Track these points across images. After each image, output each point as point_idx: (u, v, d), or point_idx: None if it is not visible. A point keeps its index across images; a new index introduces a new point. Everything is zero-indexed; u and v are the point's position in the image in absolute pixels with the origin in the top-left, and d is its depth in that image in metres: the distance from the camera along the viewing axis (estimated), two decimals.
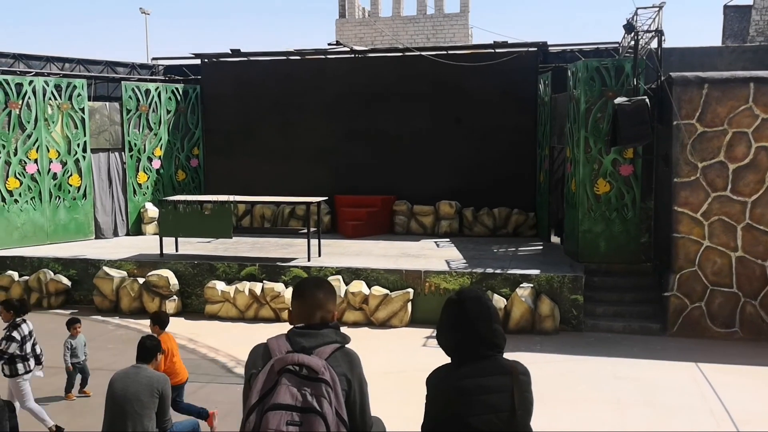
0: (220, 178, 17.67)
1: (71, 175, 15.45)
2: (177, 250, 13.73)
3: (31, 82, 14.80)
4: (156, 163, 17.15)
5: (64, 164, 15.32)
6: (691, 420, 7.75)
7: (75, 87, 15.49)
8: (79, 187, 15.59)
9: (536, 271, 11.78)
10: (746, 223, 10.83)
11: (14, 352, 7.03)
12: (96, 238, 15.98)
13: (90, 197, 15.84)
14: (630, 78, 12.09)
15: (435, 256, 13.52)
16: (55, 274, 13.25)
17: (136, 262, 13.18)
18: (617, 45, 15.24)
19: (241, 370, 9.50)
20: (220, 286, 12.42)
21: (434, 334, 10.82)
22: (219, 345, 10.76)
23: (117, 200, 16.65)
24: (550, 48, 16.37)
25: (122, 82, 16.89)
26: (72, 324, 8.77)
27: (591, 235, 12.46)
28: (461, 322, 2.72)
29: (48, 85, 15.04)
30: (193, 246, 14.35)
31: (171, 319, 12.11)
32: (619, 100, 11.39)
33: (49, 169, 15.08)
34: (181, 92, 17.59)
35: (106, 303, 12.77)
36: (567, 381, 9.01)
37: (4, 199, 14.42)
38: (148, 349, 5.52)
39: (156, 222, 15.82)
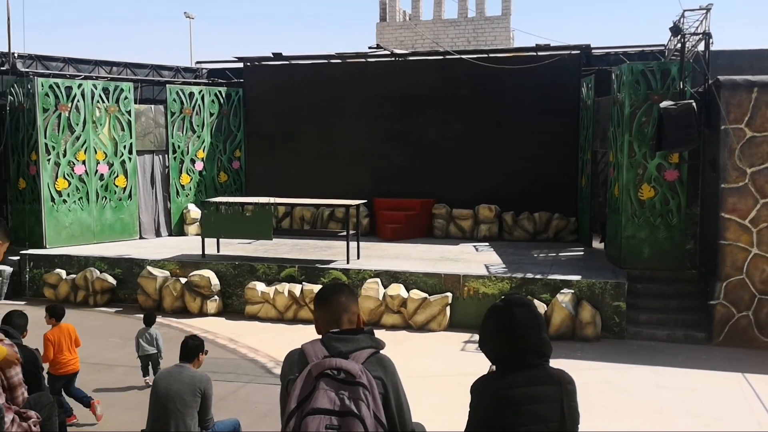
0: (261, 180, 17.86)
1: (117, 176, 15.79)
2: (218, 251, 13.92)
3: (80, 85, 15.17)
4: (199, 165, 17.42)
5: (110, 165, 15.66)
6: None
7: (122, 90, 15.83)
8: (124, 188, 15.93)
9: (577, 277, 11.63)
10: None
11: None
12: (139, 238, 16.30)
13: (135, 198, 16.16)
14: (676, 81, 11.86)
15: (474, 260, 13.45)
16: (101, 272, 13.55)
17: (178, 262, 13.39)
18: (663, 48, 14.98)
19: (279, 371, 9.57)
20: (260, 287, 12.54)
21: (473, 339, 10.82)
22: (258, 345, 10.86)
23: (159, 201, 16.95)
24: (593, 51, 16.15)
25: (167, 85, 17.21)
26: (147, 321, 8.94)
27: (634, 241, 12.25)
28: (509, 330, 2.68)
29: (96, 89, 15.40)
30: (234, 247, 14.52)
31: (212, 319, 12.42)
32: (665, 103, 11.18)
33: (97, 170, 15.43)
34: (223, 95, 17.84)
35: (149, 302, 13.00)
36: (608, 389, 8.87)
37: (53, 200, 14.80)
38: (191, 349, 5.60)
39: (198, 223, 16.05)
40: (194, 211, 16.97)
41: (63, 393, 7.54)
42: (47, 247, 14.61)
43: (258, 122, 18.08)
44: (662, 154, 11.86)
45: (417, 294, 11.81)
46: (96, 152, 15.40)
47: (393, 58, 17.48)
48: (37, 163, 14.61)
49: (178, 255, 13.92)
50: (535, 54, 16.07)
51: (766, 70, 12.60)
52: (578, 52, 15.85)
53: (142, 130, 16.41)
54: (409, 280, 12.11)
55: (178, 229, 17.13)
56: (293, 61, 17.99)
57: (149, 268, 13.19)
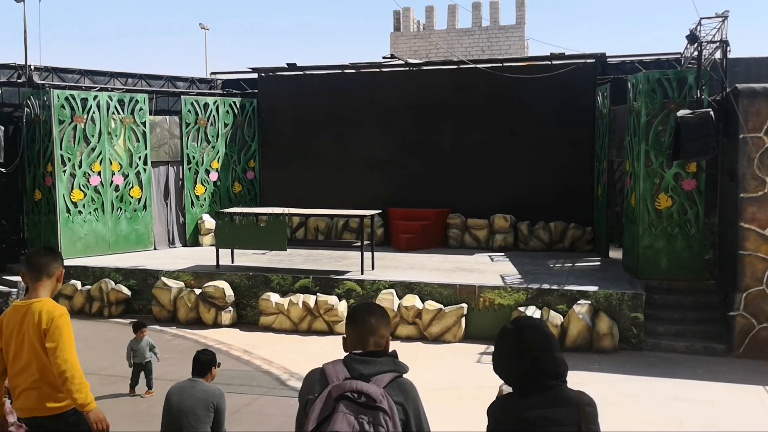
0: (276, 191, 17.88)
1: (132, 187, 15.85)
2: (233, 262, 13.91)
3: (95, 97, 15.27)
4: (213, 176, 17.46)
5: (125, 176, 15.73)
6: None
7: (137, 101, 15.91)
8: (139, 199, 15.98)
9: (594, 288, 11.50)
10: None
11: None
12: (153, 249, 16.34)
13: (150, 209, 16.22)
14: (693, 90, 11.74)
15: (489, 270, 13.35)
16: (115, 284, 13.58)
17: (193, 273, 13.40)
18: (678, 56, 14.84)
19: (294, 383, 9.54)
20: (274, 298, 12.51)
21: (488, 350, 10.70)
22: (273, 357, 10.82)
23: (172, 212, 17.01)
24: (608, 59, 16.05)
25: (182, 96, 17.29)
26: (137, 328, 9.11)
27: (652, 251, 12.10)
28: (520, 353, 2.62)
29: (111, 100, 15.49)
30: (248, 257, 14.52)
31: (227, 330, 12.40)
32: (682, 112, 11.06)
33: (112, 182, 15.50)
34: (238, 106, 17.90)
35: (163, 313, 13.01)
36: (626, 401, 8.74)
37: (68, 211, 14.87)
38: (203, 363, 5.55)
39: (213, 233, 16.07)
40: (209, 222, 17.00)
41: None
42: (62, 258, 14.64)
43: (272, 132, 18.11)
44: (679, 163, 11.73)
45: (432, 305, 11.73)
46: (111, 163, 15.47)
47: (407, 68, 17.47)
48: (53, 175, 14.70)
49: (192, 266, 13.94)
50: (549, 63, 15.99)
51: None
52: (593, 60, 15.75)
53: (157, 141, 16.49)
54: (423, 290, 12.04)
55: (192, 239, 17.17)
56: (307, 72, 18.02)
57: (164, 279, 13.21)
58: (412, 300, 11.84)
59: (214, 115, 17.40)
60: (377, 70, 17.64)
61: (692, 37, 11.68)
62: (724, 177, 11.64)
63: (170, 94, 17.89)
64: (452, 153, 16.66)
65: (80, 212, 15.05)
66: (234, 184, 17.89)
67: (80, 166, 15.02)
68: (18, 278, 14.16)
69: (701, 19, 11.64)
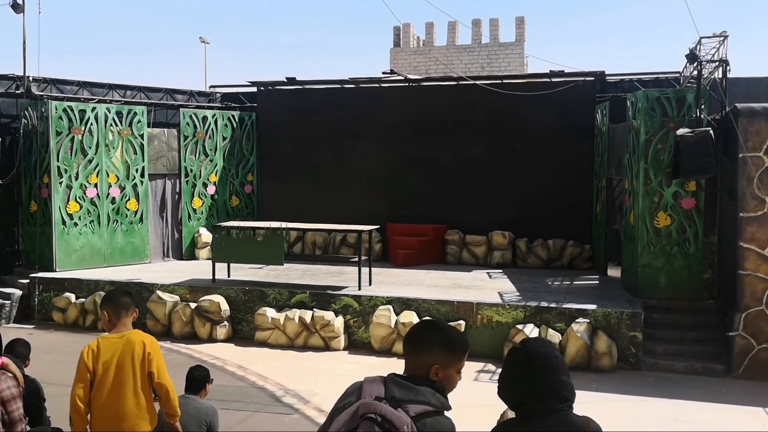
0: (274, 205, 17.81)
1: (129, 199, 15.77)
2: (229, 276, 13.82)
3: (93, 108, 15.23)
4: (211, 189, 17.40)
5: (122, 189, 15.65)
6: None
7: (135, 114, 15.87)
8: (136, 212, 15.89)
9: (593, 306, 11.42)
10: None
11: None
12: (149, 262, 16.22)
13: (146, 222, 16.13)
14: (693, 109, 11.73)
15: (487, 287, 13.27)
16: None
17: (188, 286, 13.29)
18: (678, 75, 14.86)
19: (289, 400, 9.45)
20: (270, 313, 12.41)
21: (486, 368, 10.60)
22: (268, 373, 10.70)
23: (168, 225, 16.92)
24: (607, 77, 16.08)
25: (180, 109, 17.26)
26: None
27: (650, 270, 12.03)
28: (528, 375, 2.54)
29: (110, 112, 15.45)
30: (245, 272, 14.42)
31: (222, 345, 12.28)
32: (681, 131, 11.04)
33: (108, 194, 15.42)
34: (237, 119, 17.87)
35: (158, 327, 12.88)
36: (625, 423, 8.62)
37: (64, 223, 14.78)
38: (197, 380, 5.47)
39: (209, 247, 15.98)
40: (205, 235, 16.92)
41: None
42: (57, 270, 14.56)
43: (271, 146, 18.07)
44: (679, 182, 11.69)
45: None
46: (108, 175, 15.40)
47: (407, 84, 17.48)
48: (49, 186, 14.61)
49: (188, 279, 13.83)
50: (549, 80, 16.02)
51: None
52: (592, 78, 15.78)
53: (154, 153, 16.43)
54: (421, 307, 11.94)
55: (189, 253, 17.07)
56: (307, 86, 18.02)
57: (159, 292, 13.10)
58: (410, 316, 11.74)
59: (212, 128, 17.37)
60: (377, 85, 17.64)
61: (692, 56, 11.69)
62: (724, 196, 11.61)
63: (169, 106, 17.86)
64: (451, 169, 16.63)
65: (76, 224, 14.95)
66: (231, 198, 17.83)
67: (77, 178, 14.94)
68: (12, 290, 14.07)
69: (701, 38, 11.66)
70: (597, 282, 14.11)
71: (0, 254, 15.27)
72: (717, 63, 11.69)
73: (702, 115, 11.58)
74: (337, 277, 14.08)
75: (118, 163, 15.60)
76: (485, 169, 16.38)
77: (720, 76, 11.66)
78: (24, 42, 15.61)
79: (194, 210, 17.19)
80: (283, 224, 13.55)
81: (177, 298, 13.06)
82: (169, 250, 16.96)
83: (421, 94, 17.21)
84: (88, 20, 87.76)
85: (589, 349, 10.87)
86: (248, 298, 12.82)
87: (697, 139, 10.70)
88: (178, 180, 16.99)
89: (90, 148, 15.10)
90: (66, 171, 14.78)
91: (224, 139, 17.60)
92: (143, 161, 15.99)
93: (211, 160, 17.37)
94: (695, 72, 11.94)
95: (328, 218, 15.33)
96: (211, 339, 12.55)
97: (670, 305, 11.86)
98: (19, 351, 5.54)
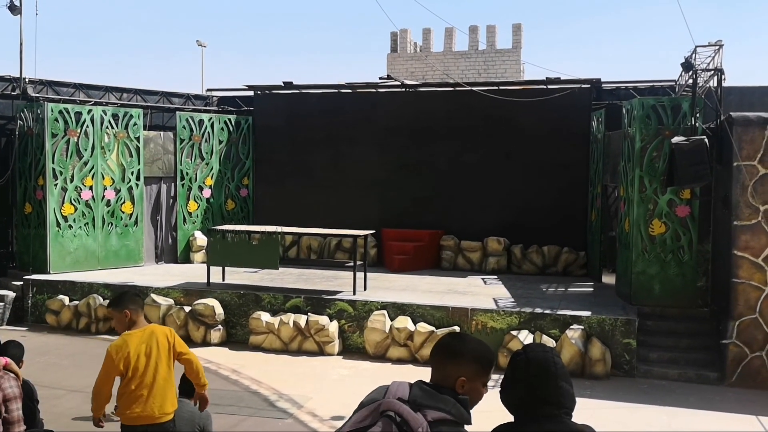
0: (269, 209, 17.79)
1: (124, 202, 15.74)
2: (224, 280, 13.80)
3: (89, 111, 15.20)
4: (206, 192, 17.38)
5: (117, 191, 15.62)
6: None
7: (131, 116, 15.85)
8: (131, 215, 15.86)
9: (587, 313, 11.44)
10: None
11: None
12: (144, 265, 16.19)
13: (141, 224, 16.09)
14: (688, 117, 11.78)
15: (482, 293, 13.28)
16: (104, 299, 13.42)
17: (183, 290, 13.26)
18: (673, 83, 14.93)
19: (283, 404, 9.44)
20: (264, 317, 12.39)
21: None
22: (262, 377, 10.68)
23: (163, 228, 16.90)
24: (603, 85, 16.13)
25: (177, 112, 17.25)
26: None
27: (645, 277, 12.06)
28: (525, 379, 2.54)
29: (106, 114, 15.43)
30: (239, 275, 14.40)
31: (216, 349, 12.26)
32: (676, 139, 11.08)
33: (103, 196, 15.39)
34: (233, 123, 17.87)
35: None
36: (620, 430, 8.63)
37: (59, 225, 14.74)
38: (191, 384, 5.46)
39: (204, 250, 15.96)
40: (200, 239, 16.89)
41: None
42: (51, 272, 14.51)
43: (267, 150, 18.07)
44: (673, 189, 11.74)
45: (424, 327, 11.64)
46: (103, 178, 15.37)
47: (404, 89, 17.50)
48: (44, 188, 14.58)
49: (182, 283, 13.81)
50: (545, 87, 16.06)
51: None
52: (588, 85, 15.83)
53: (150, 156, 16.41)
54: (416, 312, 11.94)
55: (184, 256, 17.04)
56: (304, 90, 18.03)
57: (153, 295, 13.07)
58: (404, 322, 11.74)
59: (208, 132, 17.36)
60: (373, 90, 17.67)
61: (687, 65, 11.76)
62: (718, 204, 11.65)
63: (165, 109, 17.85)
64: (447, 175, 16.65)
65: (70, 226, 14.91)
66: (227, 202, 17.81)
67: (72, 180, 14.91)
68: (5, 292, 14.03)
69: (696, 47, 11.73)
70: (591, 289, 14.13)
71: None
72: (712, 72, 11.76)
73: (697, 124, 11.64)
74: (332, 281, 14.07)
75: (114, 166, 15.58)
76: (481, 175, 16.41)
77: (715, 84, 11.72)
78: (21, 43, 15.59)
79: (189, 213, 17.17)
80: (279, 228, 13.55)
81: (171, 301, 13.03)
82: (164, 253, 16.93)
83: (418, 100, 17.24)
84: (85, 22, 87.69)
85: (583, 356, 10.88)
86: (243, 302, 12.80)
87: (692, 147, 10.75)
88: (173, 183, 16.97)
89: (85, 150, 15.08)
90: (61, 173, 14.75)
91: (220, 142, 17.60)
92: (139, 164, 15.96)
93: (207, 164, 17.36)
94: (690, 80, 12.00)
95: (324, 223, 15.33)
96: (205, 343, 12.52)
97: (664, 312, 11.89)
98: (12, 353, 5.52)
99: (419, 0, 29.98)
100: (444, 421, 2.39)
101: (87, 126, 15.08)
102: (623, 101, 13.51)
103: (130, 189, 15.83)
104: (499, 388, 2.64)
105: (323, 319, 12.10)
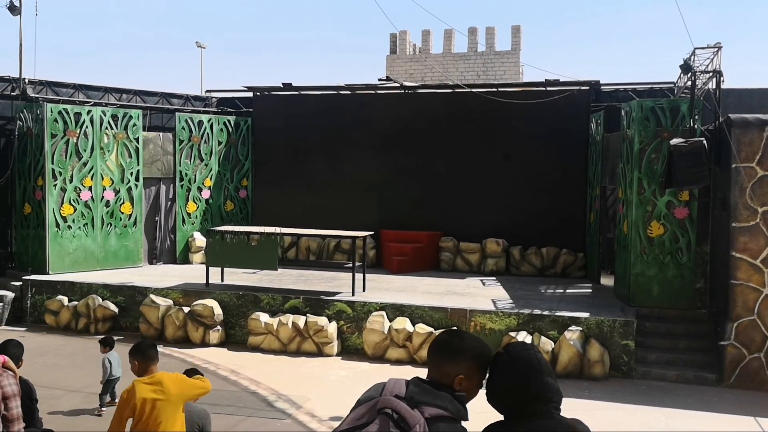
0: (268, 210, 17.81)
1: (123, 203, 15.74)
2: (222, 280, 13.80)
3: (89, 111, 15.21)
4: (205, 193, 17.39)
5: (116, 192, 15.63)
6: None
7: (131, 117, 15.86)
8: (130, 215, 15.86)
9: (585, 314, 11.45)
10: None
11: None
12: (142, 265, 16.19)
13: (140, 225, 16.10)
14: (686, 119, 11.80)
15: (481, 294, 13.29)
16: (103, 300, 13.43)
17: (182, 291, 13.27)
18: (672, 85, 14.96)
19: (281, 405, 9.44)
20: (263, 318, 12.39)
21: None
22: (260, 378, 10.68)
23: (162, 229, 16.90)
24: (602, 87, 16.16)
25: (176, 113, 17.26)
26: (110, 344, 9.28)
27: (643, 279, 12.08)
28: (510, 378, 2.55)
29: (105, 115, 15.44)
30: (238, 276, 14.41)
31: (214, 349, 12.26)
32: (675, 141, 11.11)
33: (103, 197, 15.40)
34: (232, 124, 17.88)
35: (151, 331, 12.85)
36: (618, 431, 8.64)
37: (58, 225, 14.74)
38: None
39: (203, 251, 15.96)
40: (199, 240, 16.90)
41: None
42: (50, 273, 14.52)
43: (266, 151, 18.09)
44: (672, 191, 11.76)
45: (423, 328, 11.64)
46: (103, 178, 15.38)
47: (403, 91, 17.52)
48: (44, 189, 14.58)
49: (181, 283, 13.81)
50: (544, 89, 16.08)
51: None
52: (587, 87, 15.85)
53: (149, 157, 16.42)
54: (414, 313, 11.95)
55: (183, 257, 17.05)
56: (303, 92, 18.04)
57: (152, 296, 13.07)
58: (403, 323, 11.75)
59: (208, 133, 17.38)
60: (372, 92, 17.68)
61: (686, 67, 11.77)
62: (716, 206, 11.67)
63: (164, 110, 17.86)
64: (446, 176, 16.67)
65: (69, 227, 14.92)
66: (226, 203, 17.82)
67: (71, 181, 14.91)
68: (4, 292, 14.02)
69: (695, 49, 11.75)
70: (590, 290, 14.15)
71: None
72: (711, 74, 11.79)
73: (695, 125, 11.66)
74: (331, 282, 14.08)
75: (113, 167, 15.58)
76: (480, 177, 16.42)
77: (714, 86, 11.75)
78: (20, 44, 15.61)
79: (188, 214, 17.18)
80: (278, 229, 13.56)
81: (170, 302, 13.03)
82: (163, 253, 16.93)
83: (417, 102, 17.26)
84: (85, 23, 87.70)
85: (581, 357, 10.89)
86: (242, 303, 12.81)
87: (691, 149, 10.77)
88: (172, 184, 16.99)
89: (85, 151, 15.09)
90: (60, 174, 14.76)
91: (219, 143, 17.61)
92: (138, 165, 15.97)
93: (206, 165, 17.37)
94: (689, 82, 12.03)
95: (323, 224, 15.34)
96: (204, 343, 12.52)
97: (662, 314, 11.91)
98: (12, 352, 5.52)
99: (419, 2, 30.02)
100: (441, 418, 2.38)
101: (86, 127, 15.09)
102: (622, 103, 13.54)
103: (129, 190, 15.83)
104: (485, 391, 2.63)
105: (322, 320, 12.10)
